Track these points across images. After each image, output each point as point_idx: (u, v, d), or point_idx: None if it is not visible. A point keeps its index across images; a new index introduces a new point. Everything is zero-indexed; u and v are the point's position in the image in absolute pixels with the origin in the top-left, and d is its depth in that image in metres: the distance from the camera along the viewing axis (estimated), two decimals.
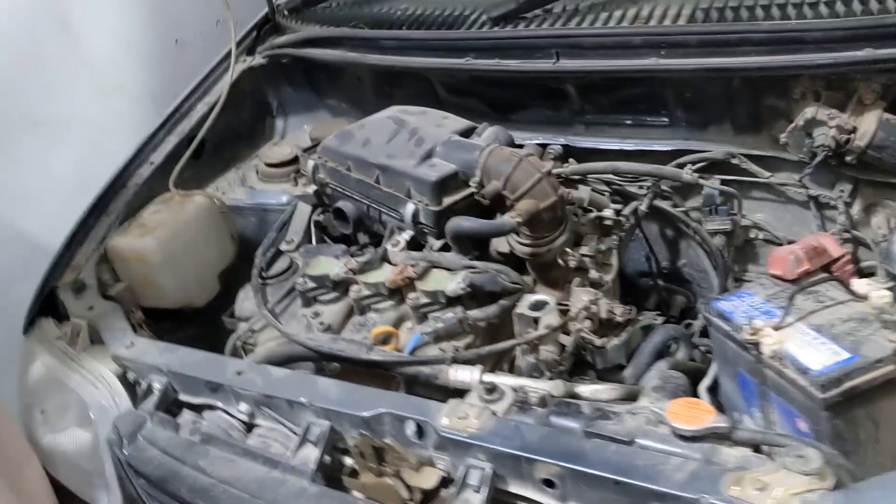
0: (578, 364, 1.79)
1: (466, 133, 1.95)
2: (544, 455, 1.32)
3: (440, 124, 1.98)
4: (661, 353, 1.80)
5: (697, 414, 1.32)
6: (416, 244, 1.92)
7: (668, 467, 1.25)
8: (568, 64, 1.95)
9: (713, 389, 1.75)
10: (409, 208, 1.84)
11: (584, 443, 1.34)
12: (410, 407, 1.48)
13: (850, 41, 1.66)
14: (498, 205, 1.83)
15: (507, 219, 1.71)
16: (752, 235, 2.07)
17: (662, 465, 1.26)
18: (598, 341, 1.75)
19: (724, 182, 2.01)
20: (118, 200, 2.25)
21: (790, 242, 2.01)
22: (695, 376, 1.77)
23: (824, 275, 1.55)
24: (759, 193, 2.06)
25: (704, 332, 2.07)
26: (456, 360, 1.63)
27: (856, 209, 1.92)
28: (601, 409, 1.42)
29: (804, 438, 1.30)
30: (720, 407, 1.71)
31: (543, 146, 2.14)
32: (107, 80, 3.26)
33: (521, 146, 1.93)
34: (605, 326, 1.79)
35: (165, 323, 2.20)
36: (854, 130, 1.75)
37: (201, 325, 2.31)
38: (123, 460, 1.68)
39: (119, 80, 3.33)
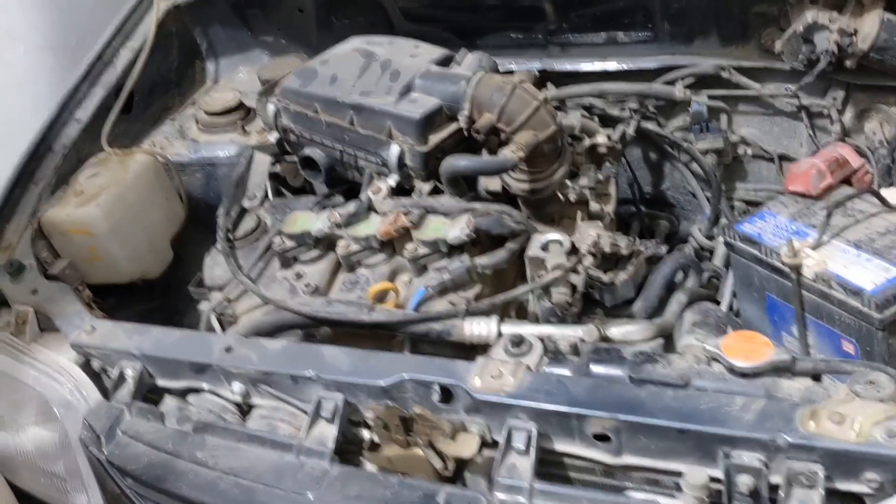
0: (585, 303, 1.68)
1: (445, 62, 1.78)
2: (597, 409, 1.21)
3: (414, 54, 1.79)
4: (671, 283, 1.71)
5: (756, 348, 1.23)
6: (397, 190, 1.75)
7: (735, 409, 1.16)
8: None
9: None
10: (394, 150, 1.67)
11: (638, 391, 1.24)
12: (435, 370, 1.34)
13: None
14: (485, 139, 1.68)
15: (508, 154, 1.56)
16: (740, 152, 2.00)
17: (727, 406, 1.17)
18: (605, 277, 1.65)
19: (712, 97, 1.92)
20: (45, 166, 1.99)
21: (781, 156, 1.96)
22: None
23: (852, 189, 1.48)
24: (745, 107, 1.98)
25: (696, 256, 2.01)
26: (470, 313, 1.49)
27: (847, 116, 1.87)
28: (644, 353, 1.32)
29: (869, 363, 1.24)
30: None
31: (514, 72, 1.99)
32: None
33: (509, 72, 1.76)
34: (608, 261, 1.69)
35: (110, 300, 1.98)
36: (855, 33, 1.67)
37: (152, 298, 2.10)
38: (103, 459, 1.49)
39: (8, 26, 2.95)
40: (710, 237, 1.98)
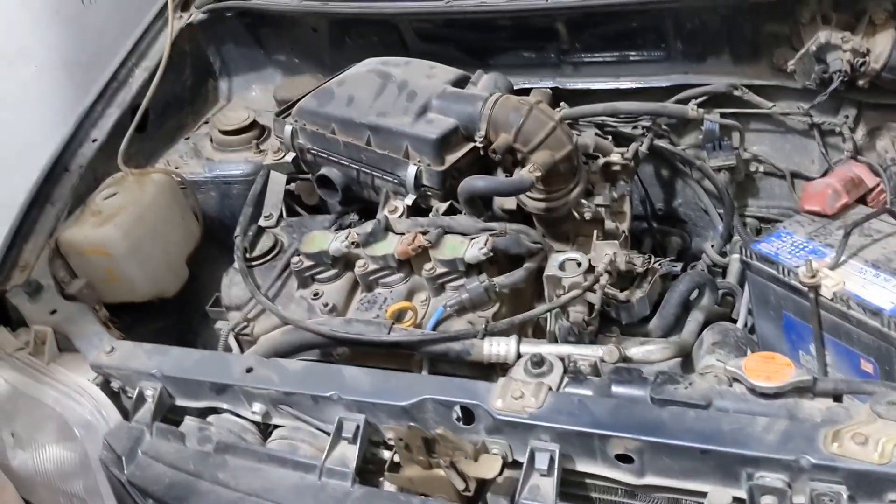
0: (601, 321, 1.69)
1: (460, 83, 1.79)
2: (619, 429, 1.22)
3: (430, 75, 1.80)
4: (686, 301, 1.72)
5: (777, 368, 1.23)
6: (414, 209, 1.76)
7: (757, 429, 1.17)
8: None
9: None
10: (411, 170, 1.68)
11: (660, 412, 1.24)
12: (455, 391, 1.35)
13: None
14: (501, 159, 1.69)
15: (525, 174, 1.57)
16: (752, 169, 2.01)
17: (750, 427, 1.18)
18: (621, 295, 1.66)
19: (724, 115, 1.93)
20: (62, 186, 2.00)
21: (793, 174, 1.97)
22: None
23: (868, 209, 1.50)
24: (757, 125, 2.00)
25: (709, 273, 2.01)
26: (488, 332, 1.50)
27: (859, 134, 1.88)
28: (665, 373, 1.32)
29: (890, 383, 1.24)
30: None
31: (527, 91, 2.00)
32: (7, 45, 2.90)
33: (525, 92, 1.78)
34: (624, 279, 1.69)
35: (126, 318, 1.98)
36: (868, 53, 1.69)
37: (167, 316, 2.10)
38: (124, 480, 1.50)
39: (21, 45, 2.96)
40: (723, 254, 1.98)
